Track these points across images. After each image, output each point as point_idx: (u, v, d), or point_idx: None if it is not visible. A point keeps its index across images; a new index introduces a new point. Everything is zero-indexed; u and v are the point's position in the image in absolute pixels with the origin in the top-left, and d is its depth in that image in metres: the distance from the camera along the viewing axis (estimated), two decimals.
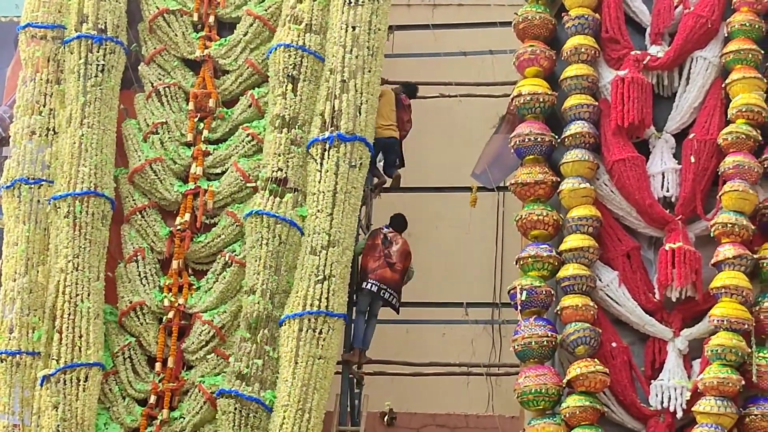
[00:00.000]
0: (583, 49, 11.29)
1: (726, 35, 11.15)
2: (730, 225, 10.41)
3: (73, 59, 12.39)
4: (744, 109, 10.71)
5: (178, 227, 12.10)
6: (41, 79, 12.45)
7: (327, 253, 11.47)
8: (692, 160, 10.85)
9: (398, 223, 12.89)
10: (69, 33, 12.53)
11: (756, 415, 10.09)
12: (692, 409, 10.12)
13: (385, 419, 14.18)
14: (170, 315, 11.77)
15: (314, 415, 11.10)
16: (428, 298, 13.50)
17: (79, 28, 12.43)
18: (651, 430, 10.31)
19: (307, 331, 11.22)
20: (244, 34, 12.63)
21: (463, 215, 13.43)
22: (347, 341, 12.49)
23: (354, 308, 12.47)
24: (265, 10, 12.64)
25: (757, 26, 10.98)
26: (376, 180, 13.18)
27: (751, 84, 10.82)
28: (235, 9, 12.80)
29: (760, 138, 10.71)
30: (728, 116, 10.85)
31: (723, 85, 11.01)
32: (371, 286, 12.20)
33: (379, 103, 12.95)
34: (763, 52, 10.95)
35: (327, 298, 11.37)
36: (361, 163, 11.89)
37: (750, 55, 10.89)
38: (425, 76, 13.86)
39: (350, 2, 12.12)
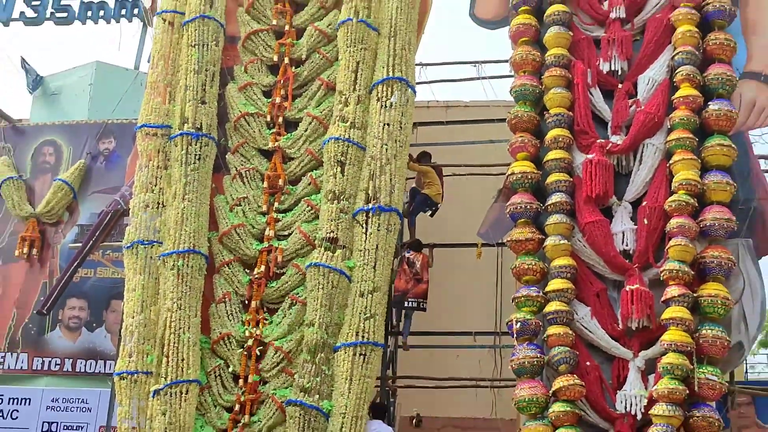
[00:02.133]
0: (560, 139, 11.35)
1: (669, 127, 11.16)
2: (675, 271, 10.40)
3: (177, 151, 12.49)
4: (684, 183, 10.72)
5: (256, 276, 12.10)
6: (153, 166, 12.54)
7: (372, 297, 11.47)
8: (645, 222, 10.85)
9: (416, 245, 12.97)
10: (174, 131, 12.64)
11: (698, 416, 10.02)
12: (649, 412, 10.08)
13: (414, 422, 14.17)
14: (250, 342, 11.74)
15: (364, 420, 11.11)
16: (446, 328, 13.50)
17: (182, 127, 12.55)
18: (617, 429, 10.27)
19: (359, 356, 11.20)
20: (305, 130, 12.69)
21: (471, 265, 13.44)
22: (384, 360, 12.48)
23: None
24: (320, 112, 12.71)
25: (692, 120, 11.01)
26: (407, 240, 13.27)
27: (689, 164, 10.83)
28: (298, 112, 12.87)
29: (697, 204, 10.70)
30: (672, 188, 10.83)
31: (667, 165, 11.00)
32: (412, 304, 12.32)
33: (430, 177, 13.18)
34: (697, 139, 10.99)
35: (373, 332, 11.36)
36: (394, 229, 11.91)
37: (687, 142, 10.91)
38: (441, 160, 13.94)
39: (385, 106, 12.19)
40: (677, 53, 11.39)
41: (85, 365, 14.50)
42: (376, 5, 12.88)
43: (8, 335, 14.80)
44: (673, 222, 10.64)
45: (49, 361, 14.57)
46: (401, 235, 12.47)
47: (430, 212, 13.55)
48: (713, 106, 11.11)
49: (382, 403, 12.03)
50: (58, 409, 13.81)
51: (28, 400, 13.88)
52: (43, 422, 13.69)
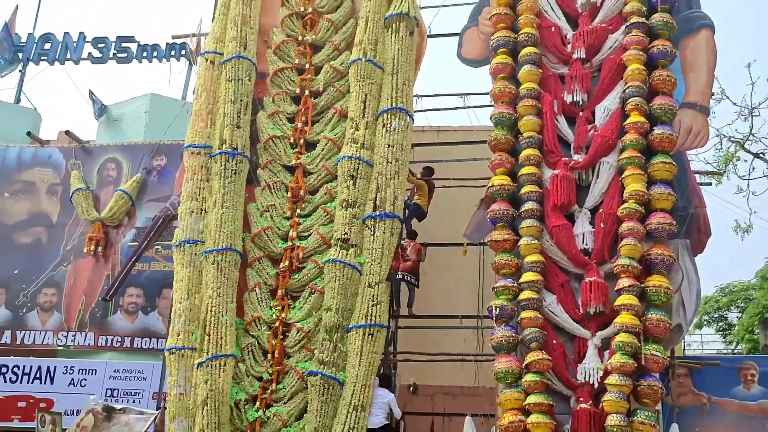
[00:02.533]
0: (531, 157, 11.39)
1: (621, 147, 11.20)
2: (626, 266, 10.46)
3: (216, 166, 12.48)
4: (633, 193, 10.77)
5: (282, 269, 12.10)
6: (197, 179, 12.51)
7: (378, 287, 11.52)
8: (602, 225, 10.89)
9: (411, 234, 12.94)
10: (214, 150, 12.61)
11: (644, 385, 10.08)
12: (604, 381, 10.14)
13: (411, 389, 14.18)
14: (277, 324, 11.74)
15: (371, 388, 11.15)
16: (437, 312, 13.46)
17: (221, 147, 12.54)
18: (578, 395, 10.29)
19: (368, 335, 11.24)
20: (322, 150, 12.69)
21: (459, 260, 13.44)
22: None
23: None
24: (335, 135, 12.70)
25: (640, 142, 11.05)
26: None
27: (637, 178, 10.88)
28: (316, 135, 12.86)
29: (644, 211, 10.75)
30: (624, 198, 10.89)
31: (620, 179, 11.05)
32: (400, 276, 12.17)
33: (422, 190, 13.19)
34: (644, 157, 11.02)
35: (379, 316, 11.41)
36: (396, 232, 11.95)
37: (636, 160, 10.94)
38: (434, 174, 13.90)
39: (388, 131, 12.23)
40: (628, 87, 11.43)
41: (141, 342, 14.56)
42: (380, 47, 12.91)
43: (78, 317, 14.88)
44: (625, 226, 10.69)
45: (112, 339, 14.63)
46: (400, 236, 12.47)
47: (418, 219, 13.52)
48: (657, 130, 11.16)
49: (387, 374, 12.05)
50: (119, 378, 13.86)
51: (94, 371, 13.93)
52: (107, 389, 13.72)
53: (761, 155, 17.25)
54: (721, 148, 17.19)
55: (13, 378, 13.95)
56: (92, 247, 15.22)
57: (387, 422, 11.33)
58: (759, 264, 22.94)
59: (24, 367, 14.03)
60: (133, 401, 13.57)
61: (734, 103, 16.98)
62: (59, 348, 14.74)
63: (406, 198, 12.99)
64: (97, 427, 11.03)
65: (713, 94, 12.83)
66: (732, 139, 17.17)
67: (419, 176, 13.49)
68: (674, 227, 10.76)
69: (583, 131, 11.50)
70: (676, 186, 11.06)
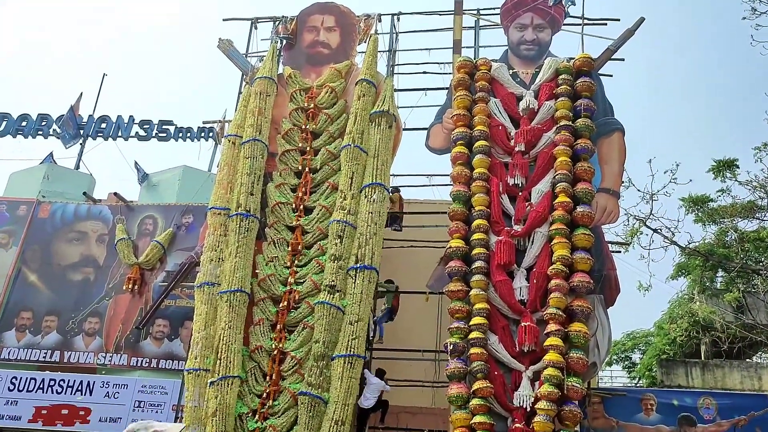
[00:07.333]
0: (481, 226, 11.47)
1: (551, 221, 11.31)
2: (553, 314, 10.48)
3: (233, 225, 12.39)
4: (560, 258, 10.86)
5: (281, 308, 11.89)
6: (217, 234, 12.39)
7: (357, 324, 11.35)
8: (535, 282, 10.92)
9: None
10: (232, 212, 12.52)
11: (566, 410, 10.03)
12: (535, 406, 10.05)
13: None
14: (275, 352, 11.51)
15: (351, 406, 10.93)
16: (404, 346, 13.25)
17: (237, 210, 12.46)
18: (514, 416, 10.19)
19: (347, 363, 11.05)
20: (317, 214, 12.60)
21: (422, 305, 13.31)
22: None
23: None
24: (328, 203, 12.62)
25: (566, 217, 11.19)
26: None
27: (563, 245, 10.96)
28: (313, 202, 12.76)
29: (568, 271, 10.81)
30: (552, 260, 10.94)
31: (550, 245, 11.12)
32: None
33: (397, 202, 13.49)
34: (569, 229, 11.09)
35: (358, 348, 11.21)
36: (373, 280, 11.79)
37: (563, 231, 11.07)
38: (404, 237, 13.84)
39: (370, 201, 12.21)
40: (557, 174, 11.59)
41: (165, 363, 14.23)
42: (366, 136, 12.97)
43: (116, 342, 14.56)
44: (553, 282, 10.72)
45: (142, 360, 14.29)
46: (376, 284, 12.32)
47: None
48: (580, 208, 11.29)
49: (383, 370, 11.89)
50: (146, 392, 13.49)
51: (126, 386, 13.57)
52: (135, 401, 13.37)
53: (659, 231, 17.41)
54: (628, 224, 17.35)
55: (59, 390, 13.59)
56: (130, 286, 14.99)
57: (375, 404, 11.31)
58: (656, 316, 23.02)
59: (68, 380, 13.67)
60: (156, 411, 13.22)
61: (639, 190, 17.19)
62: (98, 366, 14.38)
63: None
64: None
65: (623, 182, 12.97)
66: (636, 217, 17.33)
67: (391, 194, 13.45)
68: (592, 285, 10.80)
69: (522, 207, 11.57)
70: (593, 252, 11.12)
